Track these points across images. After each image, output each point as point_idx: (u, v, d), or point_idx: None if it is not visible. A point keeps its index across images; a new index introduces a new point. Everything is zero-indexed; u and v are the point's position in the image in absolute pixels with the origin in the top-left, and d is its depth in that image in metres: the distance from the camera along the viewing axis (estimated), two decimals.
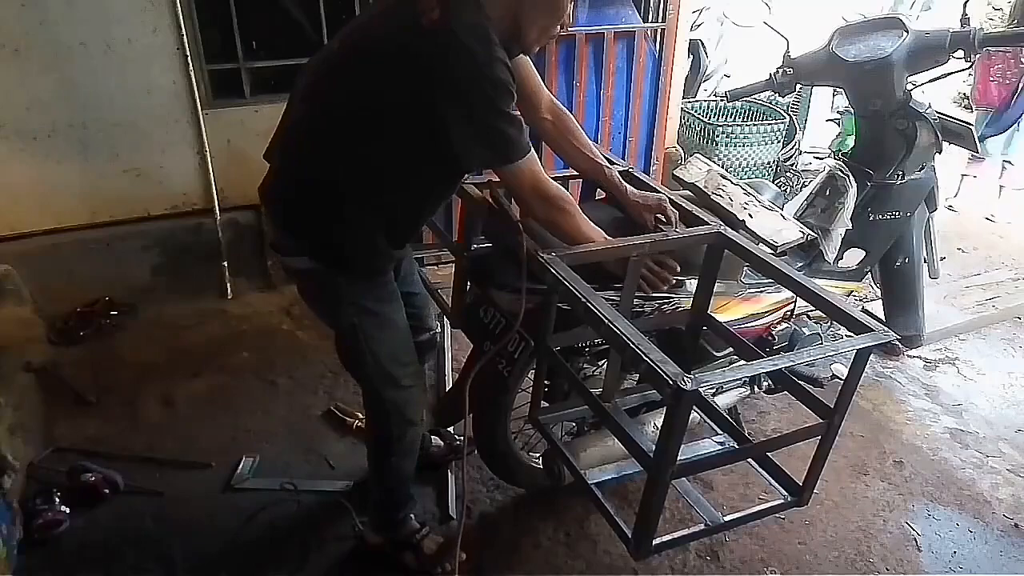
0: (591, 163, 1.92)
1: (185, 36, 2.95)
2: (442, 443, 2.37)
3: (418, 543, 1.99)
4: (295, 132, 1.62)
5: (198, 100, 3.07)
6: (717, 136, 4.00)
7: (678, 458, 1.35)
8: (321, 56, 1.64)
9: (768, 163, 4.13)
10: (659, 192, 1.89)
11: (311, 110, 1.60)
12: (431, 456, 2.31)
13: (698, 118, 4.16)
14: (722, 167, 2.45)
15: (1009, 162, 4.39)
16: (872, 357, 1.50)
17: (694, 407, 1.51)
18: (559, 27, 1.58)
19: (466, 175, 1.74)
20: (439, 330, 2.11)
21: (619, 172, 2.05)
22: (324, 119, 1.56)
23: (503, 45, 1.47)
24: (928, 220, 2.65)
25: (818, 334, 2.31)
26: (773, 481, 1.62)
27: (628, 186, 1.87)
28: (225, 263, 3.26)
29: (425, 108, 1.44)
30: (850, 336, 1.47)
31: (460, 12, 1.43)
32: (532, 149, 1.54)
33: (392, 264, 1.73)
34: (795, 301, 2.19)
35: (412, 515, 2.01)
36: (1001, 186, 4.48)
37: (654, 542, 1.46)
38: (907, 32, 2.25)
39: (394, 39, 1.48)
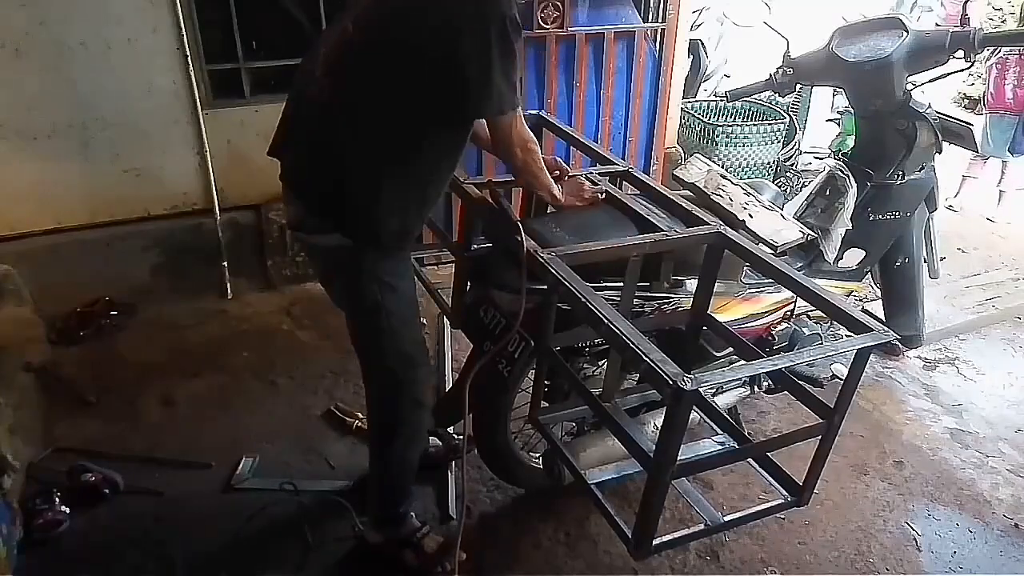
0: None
1: (185, 36, 2.95)
2: (440, 443, 2.37)
3: (419, 541, 1.98)
4: (325, 111, 1.62)
5: (198, 100, 3.07)
6: (717, 136, 4.00)
7: (678, 458, 1.35)
8: (336, 32, 1.65)
9: (768, 163, 4.13)
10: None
11: (340, 84, 1.61)
12: (429, 456, 2.31)
13: (698, 118, 4.16)
14: (722, 167, 2.46)
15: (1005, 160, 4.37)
16: (872, 357, 1.50)
17: (694, 407, 1.51)
18: None
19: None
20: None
21: (619, 172, 2.05)
22: (360, 90, 1.59)
23: None
24: (928, 220, 2.65)
25: (818, 334, 2.31)
26: (773, 481, 1.62)
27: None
28: (225, 263, 3.26)
29: (451, 56, 1.50)
30: (850, 336, 1.47)
31: None
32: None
33: (414, 238, 1.75)
34: (795, 301, 2.19)
35: (413, 513, 2.01)
36: (1001, 191, 4.47)
37: (654, 542, 1.46)
38: (907, 32, 2.25)
39: None
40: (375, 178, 1.60)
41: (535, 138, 1.72)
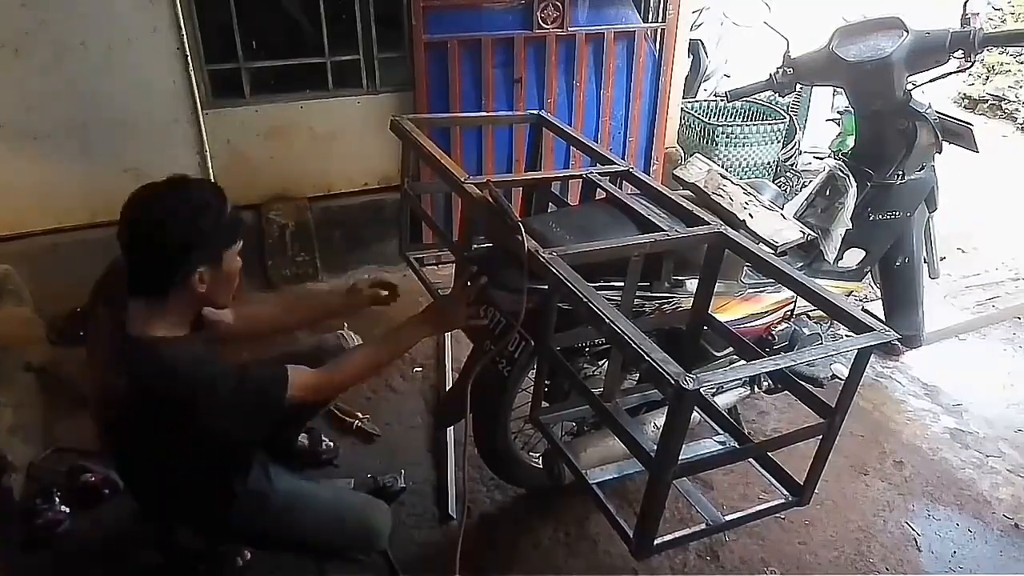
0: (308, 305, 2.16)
1: (185, 36, 2.95)
2: (306, 441, 2.36)
3: None
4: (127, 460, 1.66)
5: (198, 100, 3.07)
6: (717, 136, 4.01)
7: (679, 458, 1.35)
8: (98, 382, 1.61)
9: (768, 163, 4.13)
10: None
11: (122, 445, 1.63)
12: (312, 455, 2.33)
13: (698, 118, 4.16)
14: (722, 167, 2.46)
15: None
16: (872, 357, 1.49)
17: (695, 407, 1.50)
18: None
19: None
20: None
21: (619, 172, 2.05)
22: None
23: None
24: (928, 220, 2.65)
25: (818, 334, 2.31)
26: (774, 481, 1.62)
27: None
28: None
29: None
30: (851, 336, 1.47)
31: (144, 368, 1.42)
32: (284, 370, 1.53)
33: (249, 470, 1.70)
34: (795, 301, 2.20)
35: None
36: None
37: (655, 542, 1.46)
38: (907, 32, 2.25)
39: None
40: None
41: (325, 372, 1.62)
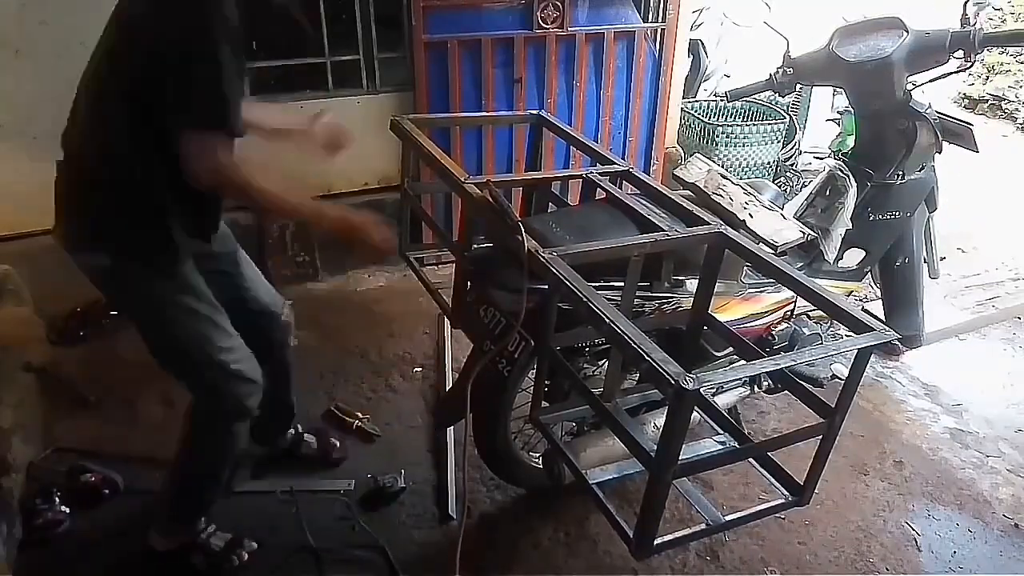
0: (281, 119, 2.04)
1: None
2: (314, 442, 2.35)
3: (206, 542, 1.96)
4: (81, 122, 1.64)
5: None
6: (717, 136, 4.01)
7: (679, 458, 1.35)
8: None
9: (768, 163, 4.13)
10: None
11: (89, 96, 1.63)
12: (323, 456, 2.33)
13: (698, 118, 4.16)
14: (722, 167, 2.46)
15: None
16: (872, 357, 1.49)
17: (695, 407, 1.50)
18: None
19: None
20: (284, 309, 2.08)
21: (620, 172, 2.05)
22: (103, 103, 1.59)
23: None
24: (928, 220, 2.65)
25: (818, 334, 2.31)
26: (773, 481, 1.62)
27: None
28: None
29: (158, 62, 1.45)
30: (851, 336, 1.47)
31: None
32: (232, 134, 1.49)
33: (186, 256, 1.68)
34: (795, 301, 2.20)
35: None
36: None
37: (655, 542, 1.46)
38: (907, 32, 2.25)
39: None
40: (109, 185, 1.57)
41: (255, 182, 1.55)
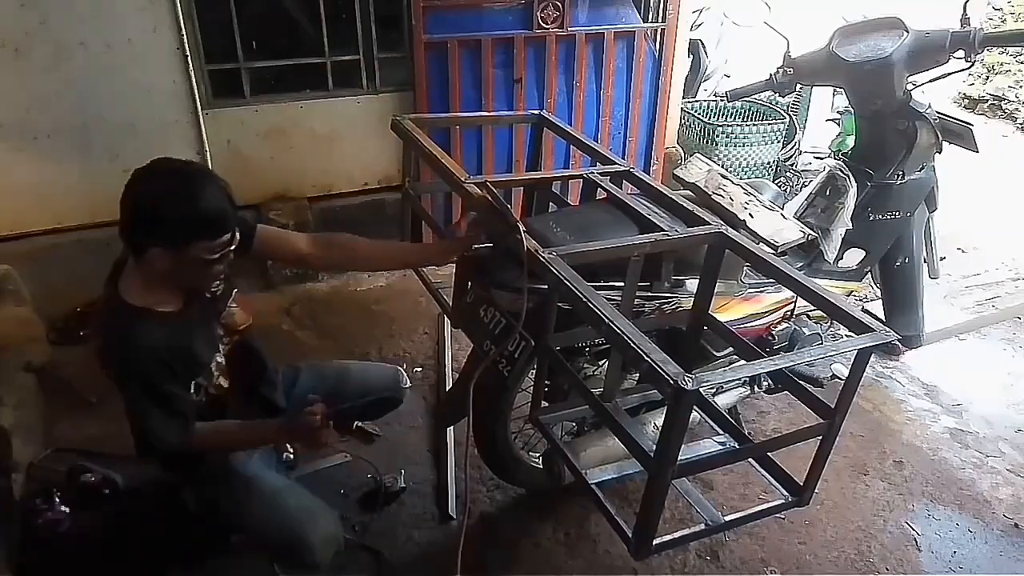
0: (406, 248, 2.13)
1: (185, 36, 2.95)
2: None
3: None
4: None
5: (198, 100, 3.08)
6: (717, 136, 4.01)
7: (679, 458, 1.35)
8: None
9: (768, 163, 4.13)
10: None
11: None
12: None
13: (698, 118, 4.16)
14: (722, 167, 2.46)
15: None
16: (872, 357, 1.49)
17: (694, 407, 1.50)
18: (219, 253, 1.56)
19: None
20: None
21: (620, 172, 2.05)
22: None
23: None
24: (928, 220, 2.65)
25: (818, 334, 2.31)
26: (773, 481, 1.62)
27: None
28: None
29: None
30: (851, 336, 1.46)
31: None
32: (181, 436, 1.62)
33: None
34: (795, 301, 2.19)
35: None
36: None
37: (655, 542, 1.46)
38: (907, 32, 2.25)
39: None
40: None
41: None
